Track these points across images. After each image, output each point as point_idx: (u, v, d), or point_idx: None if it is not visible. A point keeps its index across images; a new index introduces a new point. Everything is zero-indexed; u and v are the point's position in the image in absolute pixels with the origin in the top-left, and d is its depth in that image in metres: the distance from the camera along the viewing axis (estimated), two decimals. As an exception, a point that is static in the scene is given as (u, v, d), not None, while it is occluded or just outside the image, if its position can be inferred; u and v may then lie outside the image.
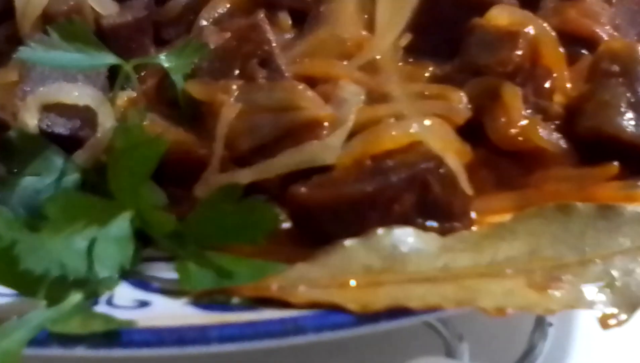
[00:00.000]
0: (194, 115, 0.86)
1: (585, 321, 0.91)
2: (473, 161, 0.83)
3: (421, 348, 0.78)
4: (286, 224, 0.80)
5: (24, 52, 0.85)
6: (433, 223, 0.77)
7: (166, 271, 0.75)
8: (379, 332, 0.69)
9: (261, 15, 0.90)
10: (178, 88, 0.86)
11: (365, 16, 0.97)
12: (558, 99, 0.89)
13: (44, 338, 0.65)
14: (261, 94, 0.84)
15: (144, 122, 0.80)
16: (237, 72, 0.87)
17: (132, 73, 0.86)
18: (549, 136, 0.84)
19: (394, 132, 0.81)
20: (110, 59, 0.86)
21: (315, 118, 0.83)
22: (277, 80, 0.86)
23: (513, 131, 0.84)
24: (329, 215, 0.77)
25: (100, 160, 0.84)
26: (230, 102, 0.83)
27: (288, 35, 0.98)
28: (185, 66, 0.87)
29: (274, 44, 0.88)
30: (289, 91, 0.84)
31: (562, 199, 0.75)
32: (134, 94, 0.90)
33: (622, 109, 0.84)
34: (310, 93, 0.84)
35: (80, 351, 0.65)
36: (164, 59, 0.87)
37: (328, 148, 0.81)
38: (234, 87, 0.85)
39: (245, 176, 0.80)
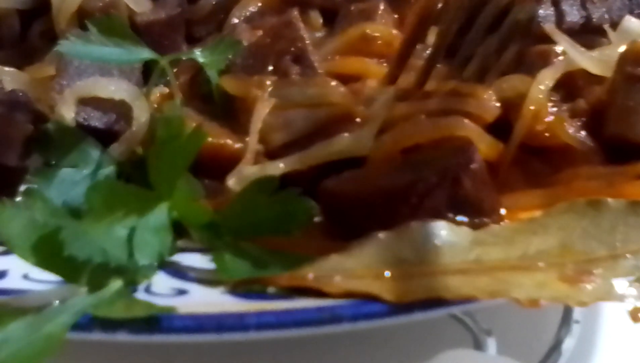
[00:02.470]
0: (228, 110, 0.87)
1: (610, 319, 0.92)
2: (502, 158, 0.84)
3: (450, 341, 0.79)
4: (317, 218, 0.81)
5: (63, 46, 0.86)
6: (463, 218, 0.77)
7: (201, 262, 0.76)
8: (410, 324, 0.70)
9: (295, 12, 0.92)
10: (213, 83, 0.88)
11: (396, 15, 0.99)
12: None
13: (86, 323, 0.66)
14: (294, 89, 0.86)
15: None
16: (270, 68, 0.89)
17: (168, 68, 0.88)
18: (575, 133, 0.85)
19: (424, 128, 0.82)
20: (147, 54, 0.88)
21: (348, 113, 0.85)
22: (310, 76, 0.88)
23: (540, 127, 0.85)
24: (360, 209, 0.78)
25: (135, 153, 0.86)
26: (264, 97, 0.85)
27: (319, 34, 0.99)
28: (219, 61, 0.89)
29: (307, 41, 0.90)
30: (322, 87, 0.85)
31: (590, 196, 0.76)
32: (167, 90, 0.92)
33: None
34: (342, 89, 0.86)
35: (121, 336, 0.66)
36: (199, 55, 0.89)
37: (360, 140, 0.82)
38: (268, 82, 0.86)
39: (277, 168, 0.81)
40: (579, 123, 0.86)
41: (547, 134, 0.85)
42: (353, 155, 0.82)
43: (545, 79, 0.86)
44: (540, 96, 0.85)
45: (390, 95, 0.87)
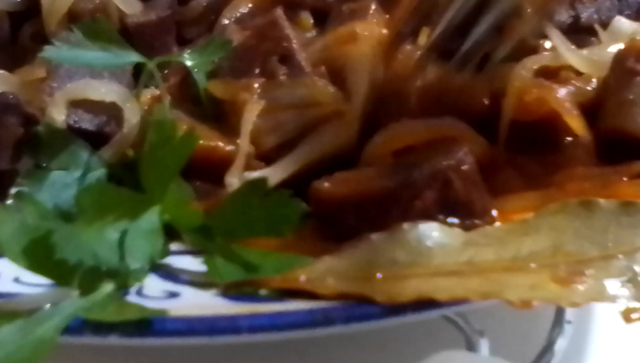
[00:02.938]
0: (217, 113, 0.87)
1: (603, 319, 0.92)
2: (497, 160, 0.84)
3: (443, 342, 0.79)
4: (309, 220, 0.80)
5: (49, 51, 0.86)
6: (454, 220, 0.78)
7: (192, 265, 0.76)
8: (402, 326, 0.70)
9: (278, 11, 0.91)
10: (200, 87, 0.87)
11: (387, 15, 0.98)
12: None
13: (78, 326, 0.66)
14: (282, 91, 0.86)
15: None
16: (258, 70, 0.88)
17: (155, 71, 0.87)
18: (564, 98, 0.85)
19: (416, 129, 0.82)
20: (134, 57, 0.87)
21: (337, 112, 0.85)
22: (298, 76, 0.87)
23: (528, 97, 0.85)
24: (351, 210, 0.78)
25: (126, 155, 0.85)
26: (252, 100, 0.84)
27: (310, 34, 0.99)
28: (207, 63, 0.88)
29: (293, 40, 0.89)
30: (310, 87, 0.85)
31: (585, 197, 0.76)
32: (158, 92, 0.91)
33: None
34: (330, 88, 0.85)
35: (113, 339, 0.66)
36: (187, 57, 0.89)
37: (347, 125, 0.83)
38: (256, 85, 0.86)
39: (279, 172, 0.81)
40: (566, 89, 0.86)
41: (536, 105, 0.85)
42: (342, 145, 0.81)
43: (531, 63, 0.86)
44: (524, 73, 0.85)
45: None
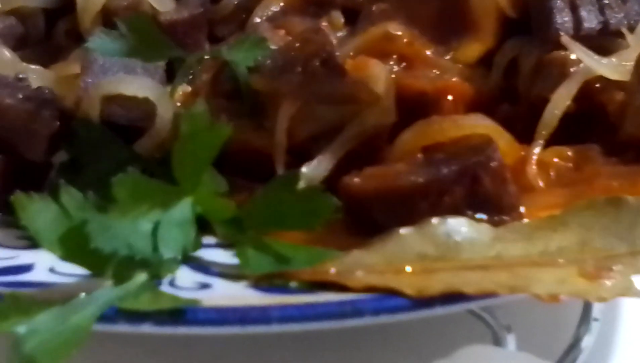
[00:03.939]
0: (254, 107, 0.88)
1: (630, 317, 0.92)
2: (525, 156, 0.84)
3: (470, 337, 0.79)
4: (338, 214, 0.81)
5: (92, 42, 0.87)
6: (482, 216, 0.78)
7: (224, 257, 0.77)
8: (429, 321, 0.71)
9: (324, 23, 0.93)
10: (241, 80, 0.88)
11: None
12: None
13: (112, 315, 0.67)
14: (323, 87, 0.86)
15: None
16: (299, 70, 0.89)
17: (195, 66, 0.88)
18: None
19: (444, 125, 0.83)
20: (175, 51, 0.89)
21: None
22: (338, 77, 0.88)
23: None
24: (381, 205, 0.79)
25: (159, 150, 0.86)
26: (292, 93, 0.85)
27: (340, 34, 0.99)
28: (246, 58, 0.89)
29: (335, 47, 0.90)
30: (351, 85, 0.85)
31: (613, 194, 0.76)
32: (189, 88, 0.92)
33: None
34: (369, 88, 0.86)
35: (146, 328, 0.67)
36: (225, 52, 0.90)
37: (384, 109, 0.83)
38: (297, 80, 0.86)
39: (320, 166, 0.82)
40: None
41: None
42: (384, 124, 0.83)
43: (563, 100, 0.87)
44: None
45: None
